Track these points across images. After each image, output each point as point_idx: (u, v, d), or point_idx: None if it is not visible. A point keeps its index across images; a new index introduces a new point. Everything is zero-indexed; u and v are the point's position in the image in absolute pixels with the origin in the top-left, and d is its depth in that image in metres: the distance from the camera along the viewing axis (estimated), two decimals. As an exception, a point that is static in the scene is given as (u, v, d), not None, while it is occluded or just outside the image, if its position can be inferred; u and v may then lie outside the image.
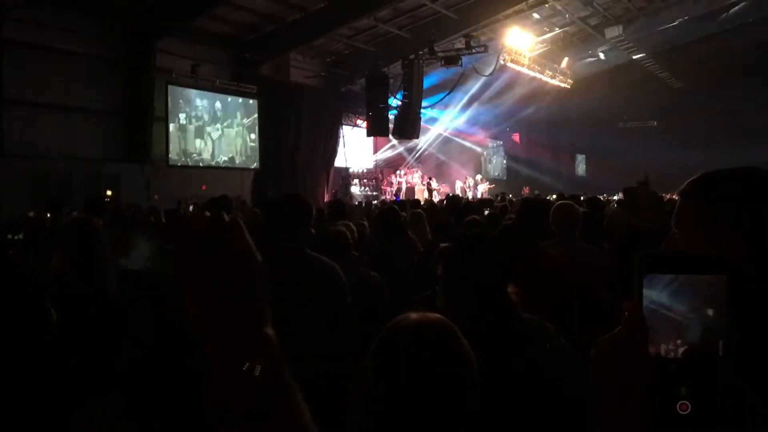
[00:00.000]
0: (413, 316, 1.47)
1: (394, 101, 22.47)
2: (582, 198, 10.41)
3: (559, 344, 2.26)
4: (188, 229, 0.81)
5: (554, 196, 15.40)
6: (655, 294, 0.75)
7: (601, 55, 27.35)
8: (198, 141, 19.41)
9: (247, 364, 0.77)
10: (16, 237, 4.22)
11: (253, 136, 21.25)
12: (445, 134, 30.33)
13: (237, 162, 20.79)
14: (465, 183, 30.09)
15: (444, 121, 28.97)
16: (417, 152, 29.68)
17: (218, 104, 20.08)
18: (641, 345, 0.74)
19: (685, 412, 0.73)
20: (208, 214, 0.82)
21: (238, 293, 0.79)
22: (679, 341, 0.74)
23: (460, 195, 22.92)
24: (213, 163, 19.92)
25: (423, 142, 28.42)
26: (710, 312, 0.73)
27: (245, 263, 0.81)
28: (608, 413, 0.76)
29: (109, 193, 14.82)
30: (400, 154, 29.28)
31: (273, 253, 3.70)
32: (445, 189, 28.77)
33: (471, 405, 1.41)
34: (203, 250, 0.79)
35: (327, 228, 4.64)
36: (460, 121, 29.46)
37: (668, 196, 11.21)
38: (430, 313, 1.49)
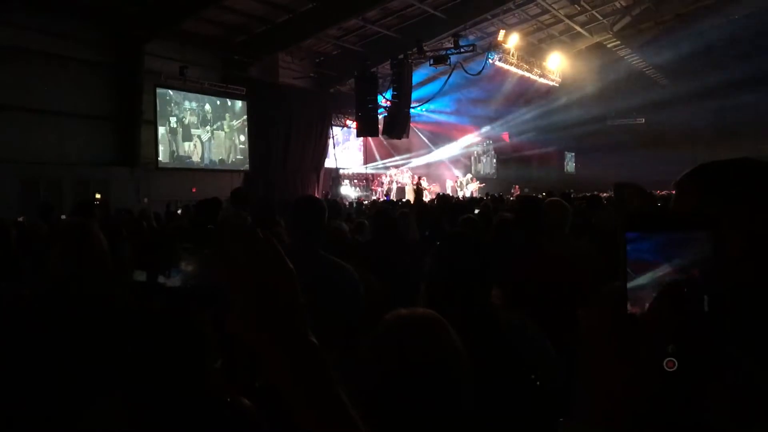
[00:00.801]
0: (403, 311, 1.49)
1: (384, 101, 22.47)
2: (572, 195, 10.47)
3: (541, 344, 2.27)
4: (229, 245, 0.84)
5: (544, 194, 15.45)
6: (639, 252, 0.75)
7: (589, 53, 27.45)
8: (187, 143, 19.35)
9: (293, 371, 0.81)
10: None
11: (242, 137, 21.21)
12: (435, 132, 30.38)
13: (227, 164, 20.74)
14: (455, 182, 30.14)
15: (432, 119, 29.03)
16: (406, 151, 29.70)
17: (207, 106, 20.04)
18: (622, 303, 0.75)
19: (671, 369, 0.73)
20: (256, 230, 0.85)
21: (280, 304, 0.83)
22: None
23: (451, 194, 22.96)
24: (203, 166, 19.87)
25: (413, 140, 28.41)
26: (694, 268, 0.74)
27: (280, 271, 0.84)
28: (596, 373, 0.77)
29: (98, 196, 14.74)
30: (391, 150, 29.30)
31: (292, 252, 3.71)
32: (436, 188, 28.81)
33: (464, 396, 1.43)
34: (240, 263, 0.82)
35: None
36: (450, 119, 29.53)
37: (658, 193, 11.27)
38: (420, 309, 1.51)
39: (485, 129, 33.76)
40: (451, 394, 1.42)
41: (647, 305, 0.75)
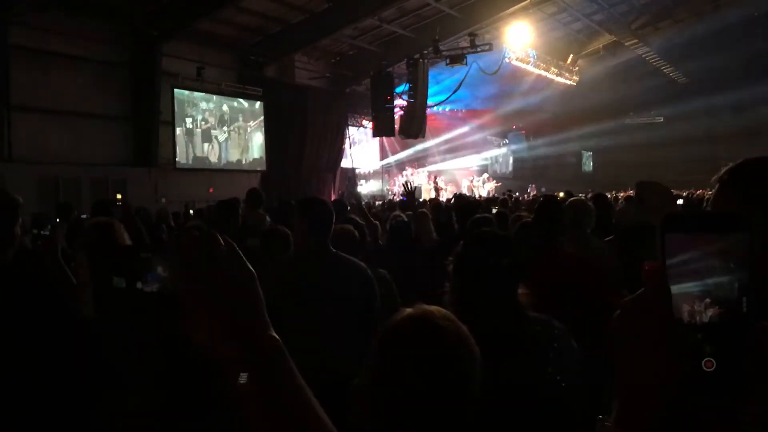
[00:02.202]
0: (410, 311, 1.48)
1: (400, 101, 22.46)
2: (587, 195, 10.33)
3: (567, 344, 2.26)
4: (180, 248, 0.84)
5: (561, 194, 15.35)
6: (678, 253, 0.74)
7: (607, 52, 27.30)
8: (205, 144, 19.46)
9: (256, 369, 0.80)
10: (42, 232, 4.21)
11: (259, 138, 21.29)
12: (452, 132, 30.33)
13: (244, 164, 20.83)
14: (471, 182, 30.06)
15: (448, 118, 28.98)
16: (423, 150, 29.65)
17: (224, 107, 20.13)
18: (665, 305, 0.74)
19: (710, 369, 0.73)
20: (195, 232, 0.86)
21: (237, 303, 0.83)
22: (703, 300, 0.74)
23: (467, 194, 22.90)
24: (220, 166, 19.97)
25: (429, 140, 28.36)
26: (733, 270, 0.73)
27: (239, 274, 0.85)
28: (633, 374, 0.77)
29: (119, 197, 14.84)
30: (413, 153, 29.32)
31: (303, 254, 3.78)
32: (452, 188, 28.74)
33: (473, 395, 1.41)
34: (198, 266, 0.82)
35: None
36: (466, 118, 29.47)
37: (677, 192, 11.15)
38: (415, 309, 1.49)
39: (502, 128, 33.66)
40: (461, 390, 1.41)
41: (686, 306, 0.74)
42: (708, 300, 0.73)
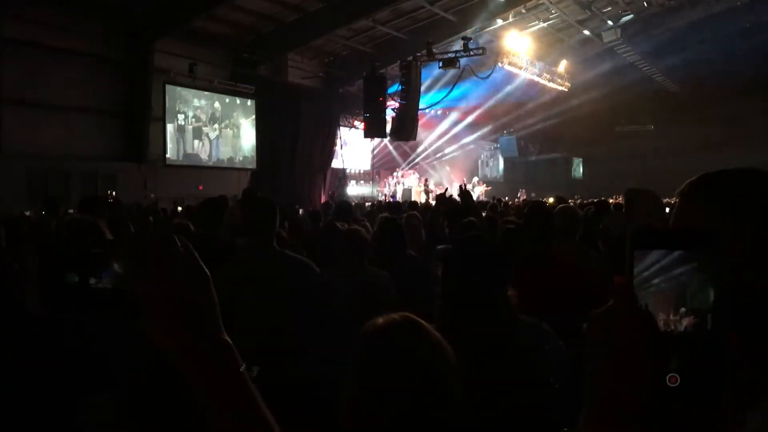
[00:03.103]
0: (379, 320, 1.49)
1: (392, 103, 22.45)
2: (580, 201, 10.40)
3: (556, 346, 2.28)
4: (135, 248, 0.85)
5: (551, 200, 15.41)
6: (646, 269, 0.76)
7: (599, 59, 27.41)
8: (196, 141, 19.39)
9: (205, 370, 0.83)
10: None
11: (250, 136, 21.24)
12: (442, 135, 30.35)
13: (234, 162, 20.78)
14: (462, 185, 30.07)
15: (441, 122, 29.00)
16: (413, 153, 29.64)
17: (216, 104, 20.07)
18: (632, 319, 0.75)
19: (674, 385, 0.74)
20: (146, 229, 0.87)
21: (191, 305, 0.84)
22: (668, 315, 0.75)
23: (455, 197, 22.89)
24: (210, 163, 19.91)
25: (420, 142, 28.36)
26: (698, 286, 0.75)
27: (193, 275, 0.86)
28: (602, 385, 0.78)
29: (112, 193, 14.78)
30: (400, 152, 29.24)
31: (247, 252, 3.73)
32: (441, 191, 28.74)
33: (454, 397, 1.41)
34: (152, 267, 0.83)
35: (344, 227, 4.66)
36: (457, 122, 29.50)
37: (667, 200, 11.20)
38: (394, 314, 1.50)
39: (493, 132, 33.73)
40: (439, 395, 1.40)
41: (662, 315, 0.75)
42: (683, 309, 0.75)
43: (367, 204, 18.08)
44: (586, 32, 24.28)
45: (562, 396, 2.09)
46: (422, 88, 22.56)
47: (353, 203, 18.29)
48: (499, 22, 21.69)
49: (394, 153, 29.29)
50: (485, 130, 32.77)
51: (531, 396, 2.05)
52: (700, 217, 1.14)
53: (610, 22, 23.69)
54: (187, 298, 0.84)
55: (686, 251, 0.75)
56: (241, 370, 0.86)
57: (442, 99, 24.70)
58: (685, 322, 0.75)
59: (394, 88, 22.05)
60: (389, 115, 22.42)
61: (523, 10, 21.15)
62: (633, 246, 0.77)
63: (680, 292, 0.75)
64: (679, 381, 0.74)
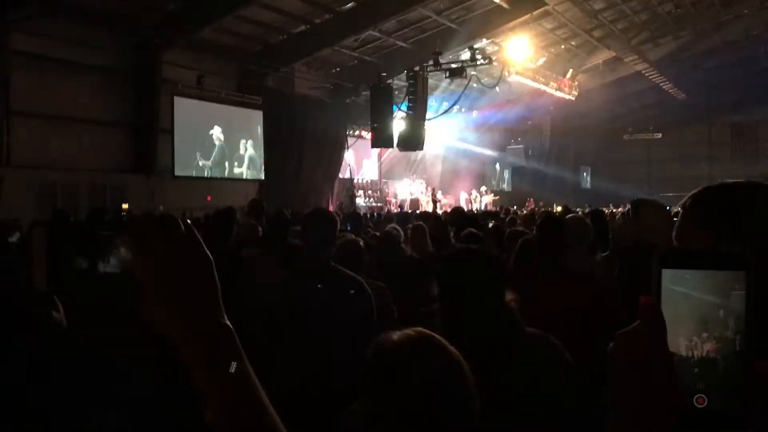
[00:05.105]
0: (394, 336, 1.47)
1: (399, 113, 22.49)
2: (584, 211, 10.33)
3: (563, 358, 2.25)
4: (138, 231, 0.85)
5: (559, 209, 15.38)
6: (673, 289, 0.74)
7: (606, 67, 27.40)
8: (203, 152, 19.44)
9: (212, 353, 0.82)
10: (10, 240, 4.18)
11: (258, 147, 21.29)
12: (450, 145, 30.37)
13: (242, 173, 20.82)
14: (470, 195, 30.07)
15: (448, 132, 29.00)
16: (421, 162, 29.64)
17: (224, 115, 20.13)
18: (659, 340, 0.73)
19: (701, 406, 0.72)
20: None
21: (193, 288, 0.84)
22: (697, 336, 0.73)
23: (464, 207, 22.91)
24: (218, 175, 19.96)
25: (427, 152, 28.35)
26: (728, 307, 0.73)
27: (195, 257, 0.86)
28: (628, 407, 0.76)
29: (125, 206, 14.85)
30: (405, 162, 29.24)
31: (299, 266, 3.78)
32: (450, 201, 28.74)
33: (472, 413, 1.40)
34: (154, 247, 0.83)
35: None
36: (465, 132, 29.52)
37: (675, 210, 11.14)
38: (409, 329, 1.48)
39: (500, 141, 33.74)
40: (457, 412, 1.39)
41: (683, 340, 0.73)
42: (705, 334, 0.73)
43: (375, 214, 18.10)
44: (594, 41, 24.26)
45: (566, 409, 2.06)
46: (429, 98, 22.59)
47: (361, 213, 18.33)
48: (507, 31, 21.71)
49: (401, 163, 29.27)
50: (493, 139, 32.81)
51: (535, 409, 2.03)
52: (703, 233, 1.13)
53: (616, 31, 23.67)
54: (188, 280, 0.83)
55: (717, 271, 0.73)
56: (242, 356, 0.85)
57: (448, 110, 24.73)
58: (707, 346, 0.73)
59: (404, 105, 22.06)
60: (396, 125, 22.46)
61: (530, 20, 21.13)
62: (661, 265, 0.75)
63: (703, 315, 0.73)
64: (706, 402, 0.72)
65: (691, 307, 0.73)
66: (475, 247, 2.83)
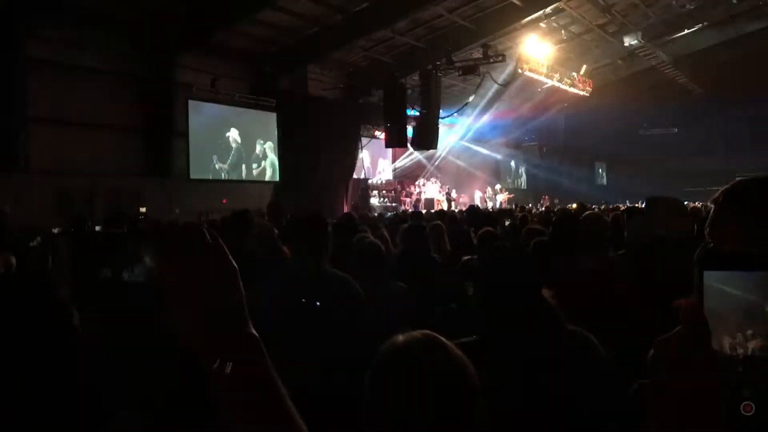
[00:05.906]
0: (399, 338, 1.47)
1: (412, 112, 22.47)
2: (600, 207, 10.28)
3: (602, 357, 2.23)
4: (164, 239, 0.85)
5: (574, 206, 15.29)
6: (712, 286, 0.73)
7: (620, 62, 27.20)
8: (219, 155, 19.54)
9: (231, 363, 0.81)
10: (32, 244, 4.22)
11: (272, 149, 21.36)
12: (464, 143, 30.27)
13: (257, 175, 20.90)
14: (484, 193, 29.97)
15: (462, 129, 28.92)
16: (436, 161, 29.55)
17: (238, 118, 20.20)
18: (704, 343, 0.71)
19: (749, 413, 0.70)
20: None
21: (217, 297, 0.83)
22: (741, 333, 0.71)
23: (479, 205, 22.84)
24: (233, 177, 20.05)
25: (441, 150, 28.27)
26: None
27: (221, 267, 0.85)
28: (671, 416, 0.73)
29: (143, 210, 14.94)
30: (419, 162, 29.17)
31: (291, 270, 3.78)
32: (465, 199, 28.67)
33: (478, 415, 1.40)
34: (181, 258, 0.83)
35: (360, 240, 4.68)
36: (479, 129, 29.42)
37: (691, 205, 11.06)
38: (415, 332, 1.48)
39: (515, 139, 33.59)
40: (462, 415, 1.38)
41: (727, 338, 0.72)
42: (750, 332, 0.71)
43: (389, 214, 18.09)
44: (608, 36, 24.11)
45: (608, 408, 2.03)
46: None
47: (377, 213, 18.32)
48: (519, 28, 21.62)
49: (416, 162, 29.20)
50: (507, 136, 32.68)
51: (579, 408, 2.01)
52: (737, 227, 1.12)
53: (630, 26, 23.51)
54: (214, 291, 0.83)
55: (755, 272, 0.71)
56: (267, 365, 0.85)
57: (461, 108, 24.68)
58: (753, 344, 0.71)
59: (416, 112, 22.01)
60: (410, 124, 22.46)
61: (543, 16, 21.03)
62: (703, 267, 0.73)
63: (747, 314, 0.71)
64: (754, 409, 0.70)
65: (733, 303, 0.72)
66: (509, 245, 2.82)
